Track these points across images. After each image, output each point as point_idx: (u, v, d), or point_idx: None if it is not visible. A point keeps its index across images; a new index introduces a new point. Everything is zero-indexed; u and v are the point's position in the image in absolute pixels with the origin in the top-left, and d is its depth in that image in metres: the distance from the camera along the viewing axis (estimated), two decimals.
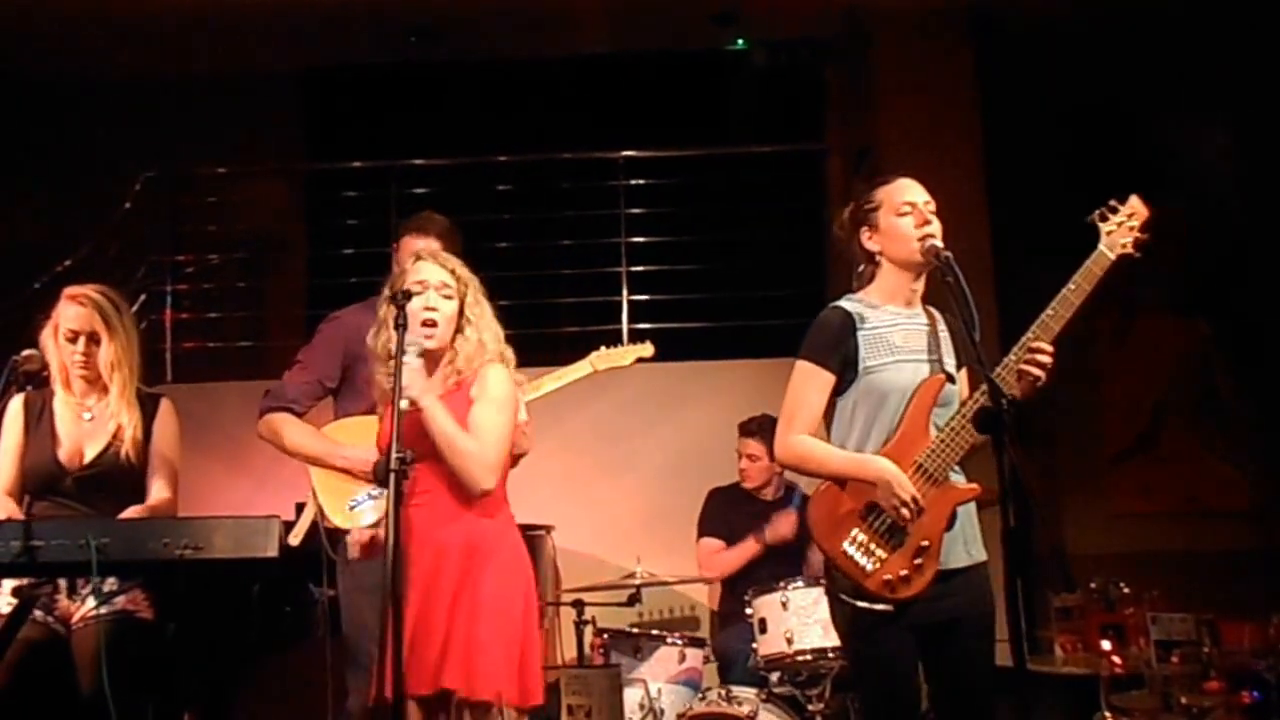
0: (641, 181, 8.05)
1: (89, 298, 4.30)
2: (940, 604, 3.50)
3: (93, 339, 4.27)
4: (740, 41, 8.90)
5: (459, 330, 3.76)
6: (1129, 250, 3.61)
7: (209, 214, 8.32)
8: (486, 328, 3.79)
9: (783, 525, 5.80)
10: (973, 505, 3.58)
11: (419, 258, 3.83)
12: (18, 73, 8.50)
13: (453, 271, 3.79)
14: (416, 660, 3.53)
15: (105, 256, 7.35)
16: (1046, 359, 3.48)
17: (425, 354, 3.70)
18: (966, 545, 3.56)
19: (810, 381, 3.66)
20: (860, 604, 3.53)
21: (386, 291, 3.81)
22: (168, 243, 8.22)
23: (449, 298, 3.75)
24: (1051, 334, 3.52)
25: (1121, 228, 3.62)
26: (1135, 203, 3.67)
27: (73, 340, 4.26)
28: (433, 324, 3.70)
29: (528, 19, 8.47)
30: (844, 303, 3.73)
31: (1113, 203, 3.67)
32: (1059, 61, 8.15)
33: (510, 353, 3.84)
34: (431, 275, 3.75)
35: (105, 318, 4.30)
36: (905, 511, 3.44)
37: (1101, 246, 3.61)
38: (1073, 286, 3.56)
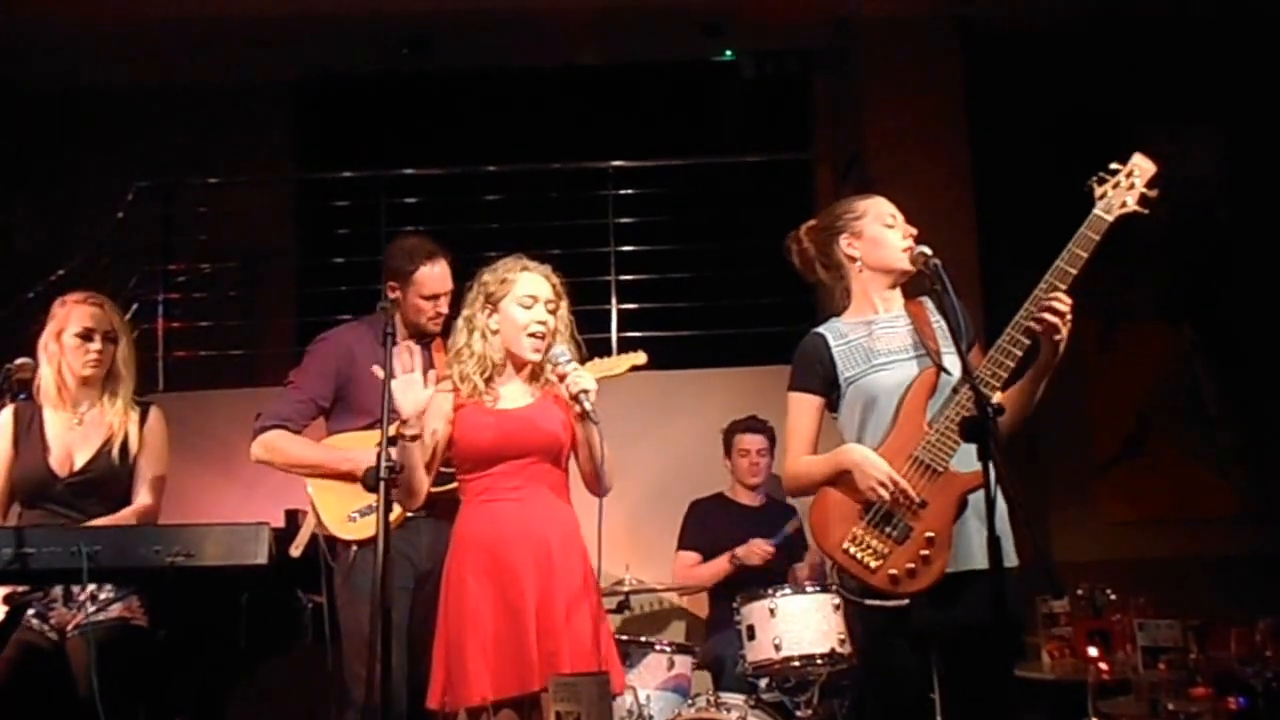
0: (631, 191, 8.08)
1: (99, 300, 4.38)
2: (956, 610, 3.49)
3: (108, 337, 4.31)
4: (729, 52, 8.94)
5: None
6: (1133, 208, 3.53)
7: (201, 223, 8.32)
8: (572, 339, 3.95)
9: (754, 553, 5.81)
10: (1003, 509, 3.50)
11: (525, 268, 3.93)
12: (9, 83, 8.52)
13: (553, 283, 3.94)
14: (534, 654, 3.63)
15: (98, 265, 7.36)
16: (1063, 305, 3.43)
17: (526, 364, 3.89)
18: (984, 546, 3.47)
19: (798, 408, 3.77)
20: (869, 602, 3.54)
21: (481, 300, 3.93)
22: (159, 252, 8.23)
23: (553, 312, 3.89)
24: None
25: (1120, 188, 3.54)
26: (1139, 159, 3.59)
27: (87, 338, 4.29)
28: (541, 337, 3.85)
29: (518, 30, 8.50)
30: (821, 327, 3.83)
31: (1112, 165, 3.58)
32: (1045, 69, 8.20)
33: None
34: (541, 290, 3.90)
35: (119, 319, 4.37)
36: (883, 491, 3.47)
37: (1097, 210, 3.54)
38: (1067, 257, 3.50)
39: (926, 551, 3.48)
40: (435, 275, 4.58)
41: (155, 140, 8.81)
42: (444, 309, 4.60)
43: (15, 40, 8.10)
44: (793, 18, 8.45)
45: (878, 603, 3.53)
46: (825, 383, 3.72)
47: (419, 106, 9.09)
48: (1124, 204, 3.53)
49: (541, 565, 3.72)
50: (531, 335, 3.85)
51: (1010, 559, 3.53)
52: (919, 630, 3.53)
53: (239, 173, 8.82)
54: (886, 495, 3.48)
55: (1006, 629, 3.47)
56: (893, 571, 3.49)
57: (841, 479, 3.59)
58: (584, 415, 3.72)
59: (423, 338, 4.64)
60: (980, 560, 3.48)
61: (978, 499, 3.50)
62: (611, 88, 9.02)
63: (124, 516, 4.23)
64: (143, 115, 8.88)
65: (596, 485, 3.81)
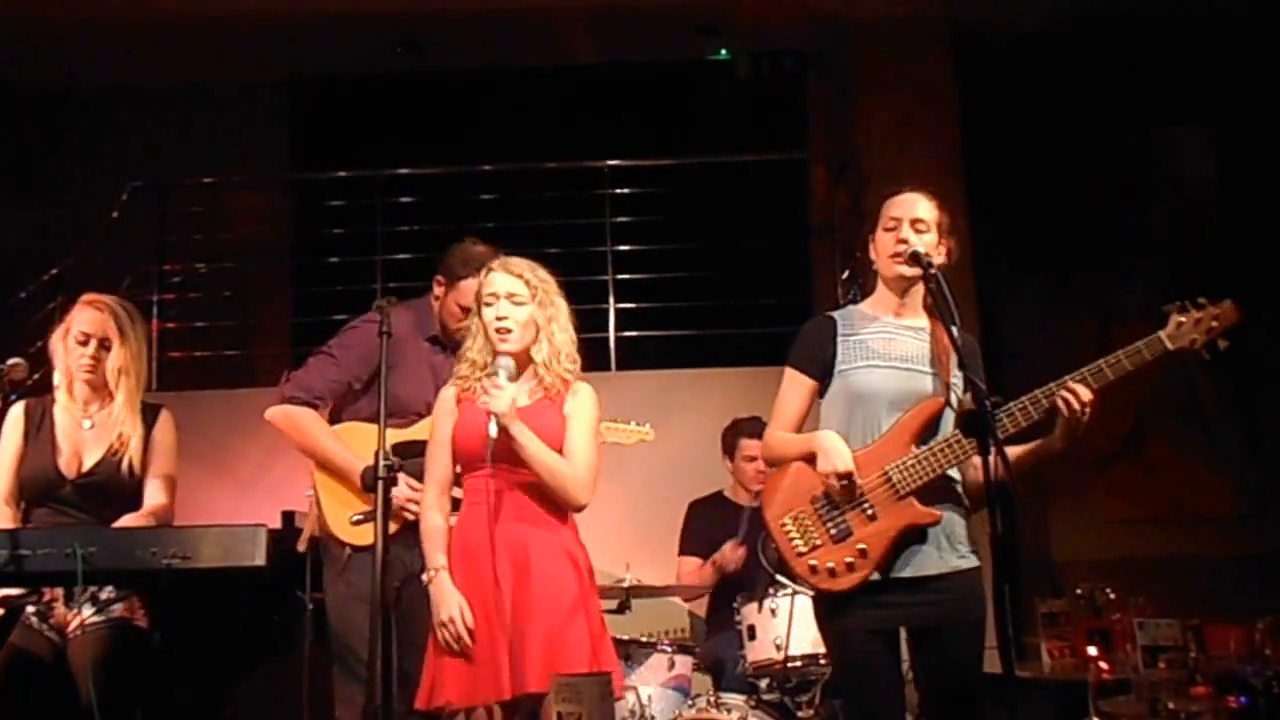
0: (627, 190, 8.07)
1: (105, 304, 4.35)
2: (912, 610, 3.51)
3: (103, 344, 4.30)
4: (724, 52, 8.94)
5: (535, 337, 3.86)
6: (1196, 348, 3.53)
7: (195, 223, 8.31)
8: (560, 330, 3.88)
9: (728, 559, 5.79)
10: (958, 513, 3.57)
11: (490, 269, 3.90)
12: (4, 82, 8.50)
13: (521, 276, 3.87)
14: (492, 665, 3.60)
15: (92, 266, 7.33)
16: (1083, 399, 3.45)
17: (524, 365, 3.85)
18: (943, 552, 3.53)
19: (792, 386, 3.76)
20: (779, 576, 3.56)
21: (476, 304, 3.92)
22: (154, 252, 8.21)
23: (520, 304, 3.83)
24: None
25: (1198, 325, 3.53)
26: (1229, 307, 3.56)
27: (83, 343, 4.28)
28: (506, 330, 3.80)
29: (513, 30, 8.50)
30: (835, 311, 3.82)
31: (1201, 300, 3.56)
32: (1039, 71, 8.20)
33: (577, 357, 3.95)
34: (501, 286, 3.84)
35: (119, 325, 4.34)
36: (834, 481, 3.47)
37: (1162, 334, 3.54)
38: (1112, 361, 3.50)
39: (853, 560, 3.49)
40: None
41: (150, 140, 8.81)
42: None
43: (9, 39, 8.08)
44: (787, 18, 8.46)
45: (786, 581, 3.55)
46: (822, 368, 3.70)
47: (414, 106, 9.08)
48: (1192, 341, 3.53)
49: (519, 572, 3.69)
50: (497, 331, 3.81)
51: (971, 560, 3.56)
52: (870, 629, 3.54)
53: (234, 173, 8.82)
54: (837, 485, 3.49)
55: (971, 627, 3.54)
56: (813, 563, 3.51)
57: (812, 460, 3.60)
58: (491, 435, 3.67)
59: (452, 345, 4.59)
60: (935, 566, 3.52)
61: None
62: (607, 87, 9.02)
63: (142, 516, 4.21)
64: (138, 115, 8.88)
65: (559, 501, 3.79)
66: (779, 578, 3.61)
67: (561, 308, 3.91)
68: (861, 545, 3.48)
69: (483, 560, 3.70)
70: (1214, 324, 3.53)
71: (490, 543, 3.71)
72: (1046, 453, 3.59)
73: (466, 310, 4.46)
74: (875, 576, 3.49)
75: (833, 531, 3.52)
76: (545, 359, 3.84)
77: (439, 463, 3.87)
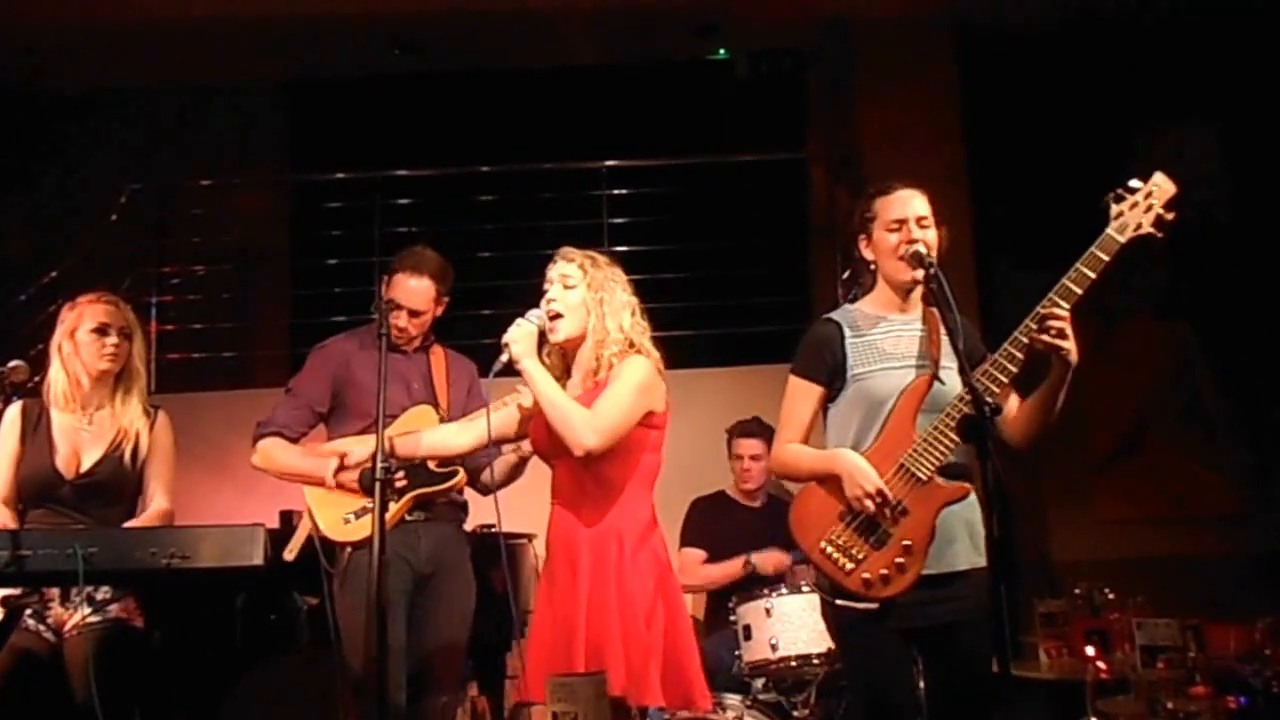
0: (625, 191, 8.06)
1: (112, 298, 4.42)
2: (939, 607, 3.51)
3: (123, 333, 4.33)
4: (723, 52, 8.93)
5: (587, 324, 3.85)
6: (1147, 230, 3.42)
7: (194, 225, 8.30)
8: (613, 314, 3.84)
9: (769, 563, 5.77)
10: (976, 508, 3.53)
11: (553, 260, 3.92)
12: (3, 84, 8.49)
13: (573, 260, 3.89)
14: (556, 661, 3.62)
15: (91, 268, 7.33)
16: (1060, 322, 3.39)
17: (563, 351, 3.88)
18: (966, 549, 3.55)
19: (799, 394, 3.73)
20: (839, 602, 3.54)
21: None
22: (153, 254, 8.21)
23: (572, 287, 3.84)
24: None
25: (1138, 208, 3.43)
26: (1159, 179, 3.46)
27: (103, 333, 4.31)
28: (555, 315, 3.82)
29: (511, 31, 8.49)
30: (835, 314, 3.79)
31: (1132, 183, 3.45)
32: (1040, 69, 8.18)
33: (648, 343, 3.90)
34: (555, 272, 3.88)
35: (130, 319, 4.40)
36: (869, 503, 3.46)
37: (1109, 230, 3.44)
38: (1074, 275, 3.43)
39: (902, 559, 3.48)
40: (406, 286, 4.53)
41: (149, 142, 8.81)
42: (404, 324, 4.56)
43: (6, 42, 8.08)
44: (786, 17, 8.45)
45: (847, 604, 3.53)
46: (831, 373, 3.68)
47: (412, 108, 9.08)
48: (1139, 226, 3.43)
49: (571, 571, 3.71)
50: (548, 316, 3.83)
51: (983, 559, 3.54)
52: (899, 628, 3.53)
53: (233, 175, 8.82)
54: (872, 507, 3.47)
55: (986, 625, 3.48)
56: (866, 576, 3.50)
57: (829, 480, 3.59)
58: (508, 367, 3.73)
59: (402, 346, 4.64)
60: (961, 562, 3.54)
61: (963, 503, 3.53)
62: (605, 87, 9.02)
63: (150, 519, 4.23)
64: (136, 117, 8.89)
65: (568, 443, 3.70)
66: (839, 601, 3.57)
67: (616, 294, 3.88)
68: (906, 542, 3.47)
69: (552, 558, 3.80)
70: (1152, 201, 3.44)
71: (555, 541, 3.79)
72: (1058, 383, 3.52)
73: (392, 304, 4.51)
74: (936, 570, 3.50)
75: (872, 540, 3.51)
76: (594, 344, 3.82)
77: None
